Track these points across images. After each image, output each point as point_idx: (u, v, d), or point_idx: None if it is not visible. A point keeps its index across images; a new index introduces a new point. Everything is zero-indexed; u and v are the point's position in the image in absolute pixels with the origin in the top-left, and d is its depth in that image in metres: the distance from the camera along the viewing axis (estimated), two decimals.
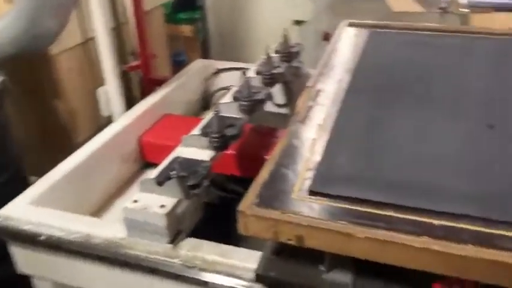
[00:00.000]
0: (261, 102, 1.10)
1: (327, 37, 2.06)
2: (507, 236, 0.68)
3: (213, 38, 2.61)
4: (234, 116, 1.05)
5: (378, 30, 1.59)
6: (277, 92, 1.81)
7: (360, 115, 1.03)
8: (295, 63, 1.63)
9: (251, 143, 1.35)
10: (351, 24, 1.71)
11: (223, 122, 0.98)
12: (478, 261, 0.65)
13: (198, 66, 1.80)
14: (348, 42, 1.58)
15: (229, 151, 1.32)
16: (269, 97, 1.42)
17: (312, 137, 0.97)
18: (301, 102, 1.14)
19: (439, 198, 0.76)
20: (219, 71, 1.77)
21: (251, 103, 1.08)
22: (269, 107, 1.77)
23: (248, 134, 1.41)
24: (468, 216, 0.72)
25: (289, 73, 1.67)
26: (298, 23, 2.02)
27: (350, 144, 0.92)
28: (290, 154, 0.91)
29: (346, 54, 1.47)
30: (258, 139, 1.38)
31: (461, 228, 0.70)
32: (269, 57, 1.27)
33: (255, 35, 2.32)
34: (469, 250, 0.66)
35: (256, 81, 1.26)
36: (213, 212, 1.08)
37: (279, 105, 1.72)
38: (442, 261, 0.67)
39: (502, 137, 0.93)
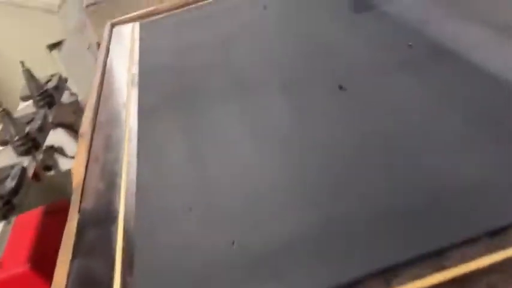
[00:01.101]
0: (16, 192, 0.69)
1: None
2: None
3: None
4: None
5: (147, 20, 1.27)
6: (67, 141, 1.40)
7: (164, 149, 0.69)
8: (65, 99, 1.22)
9: (51, 235, 0.94)
10: (114, 25, 1.36)
11: None
12: None
13: None
14: (118, 47, 1.23)
15: (22, 268, 0.90)
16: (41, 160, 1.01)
17: (110, 209, 0.61)
18: (78, 161, 0.76)
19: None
20: None
21: None
22: (64, 164, 1.36)
23: (41, 222, 0.99)
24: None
25: (63, 115, 1.26)
26: (54, 46, 1.58)
27: (166, 210, 0.57)
28: (87, 252, 0.54)
29: (121, 63, 1.12)
30: (59, 222, 0.96)
31: None
32: (9, 117, 0.85)
33: (11, 82, 1.76)
34: None
35: (6, 157, 0.83)
36: None
37: (73, 158, 1.32)
38: None
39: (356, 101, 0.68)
